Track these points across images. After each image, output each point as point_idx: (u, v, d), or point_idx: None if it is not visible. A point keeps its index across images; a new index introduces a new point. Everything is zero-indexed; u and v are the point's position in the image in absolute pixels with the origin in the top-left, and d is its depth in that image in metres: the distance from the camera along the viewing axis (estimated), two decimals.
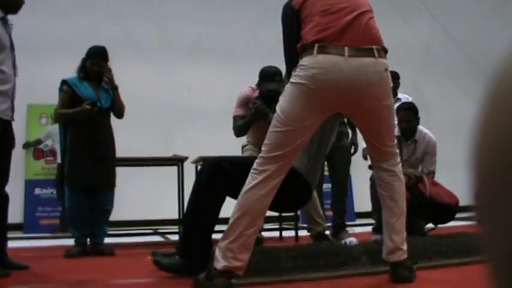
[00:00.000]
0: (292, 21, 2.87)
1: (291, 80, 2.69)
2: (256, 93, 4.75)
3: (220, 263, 2.62)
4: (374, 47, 2.68)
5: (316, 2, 2.78)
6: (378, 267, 3.05)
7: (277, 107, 2.71)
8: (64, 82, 4.89)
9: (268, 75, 4.66)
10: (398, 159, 2.95)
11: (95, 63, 4.87)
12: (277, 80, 4.47)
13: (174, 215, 6.29)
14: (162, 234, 7.17)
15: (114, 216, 5.05)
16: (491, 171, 0.43)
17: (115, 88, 4.94)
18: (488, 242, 0.45)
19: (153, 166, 6.82)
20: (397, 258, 2.82)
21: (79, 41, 5.39)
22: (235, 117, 4.84)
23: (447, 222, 4.93)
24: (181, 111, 9.08)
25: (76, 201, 4.71)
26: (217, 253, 2.65)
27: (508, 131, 0.41)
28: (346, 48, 2.62)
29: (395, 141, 2.97)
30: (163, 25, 9.39)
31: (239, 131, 4.78)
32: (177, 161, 6.09)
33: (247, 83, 9.18)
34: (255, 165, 2.69)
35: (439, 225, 4.94)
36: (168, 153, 6.52)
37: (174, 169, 6.11)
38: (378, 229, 4.72)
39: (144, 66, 9.11)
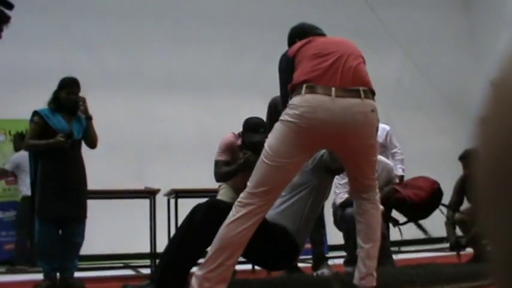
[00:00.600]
0: (288, 69, 2.96)
1: (281, 118, 2.77)
2: (239, 141, 4.77)
3: None
4: (361, 88, 2.77)
5: (309, 48, 2.91)
6: None
7: (266, 144, 2.78)
8: (36, 113, 4.85)
9: (253, 127, 4.68)
10: (378, 190, 3.02)
11: (72, 92, 4.84)
12: (261, 131, 4.48)
13: (145, 248, 6.23)
14: (134, 267, 7.08)
15: (84, 250, 4.98)
16: (494, 173, 0.44)
17: (90, 118, 4.92)
18: (491, 245, 0.45)
19: (124, 199, 6.77)
20: (369, 284, 2.85)
21: (50, 72, 5.37)
22: (217, 162, 4.85)
23: (438, 207, 4.97)
24: (153, 143, 9.05)
25: (46, 233, 4.65)
26: (194, 282, 2.65)
27: (509, 132, 0.42)
28: (333, 88, 2.71)
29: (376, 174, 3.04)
30: (136, 57, 9.40)
31: (222, 178, 4.79)
32: (149, 194, 6.07)
33: (220, 115, 9.26)
34: (239, 199, 2.74)
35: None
36: (140, 186, 6.50)
37: (146, 202, 6.08)
38: (349, 262, 4.74)
39: (116, 97, 9.09)
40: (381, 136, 6.30)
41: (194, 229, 2.96)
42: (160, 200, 6.38)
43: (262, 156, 2.76)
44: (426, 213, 4.90)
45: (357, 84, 2.78)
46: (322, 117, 2.67)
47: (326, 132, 2.71)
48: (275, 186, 2.73)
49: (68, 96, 4.84)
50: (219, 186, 5.08)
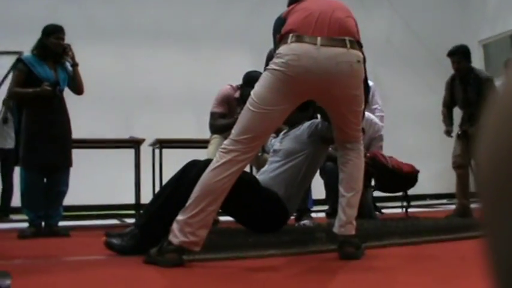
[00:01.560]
0: (280, 31, 2.93)
1: (267, 67, 2.81)
2: (237, 94, 4.74)
3: (177, 238, 2.66)
4: (347, 38, 2.79)
5: (299, 6, 2.94)
6: (328, 246, 3.11)
7: (252, 92, 2.82)
8: (20, 60, 4.78)
9: (252, 81, 4.64)
10: (362, 143, 3.05)
11: (60, 38, 4.75)
12: None
13: (130, 198, 6.26)
14: (118, 217, 7.13)
15: (68, 200, 4.99)
16: (496, 174, 0.44)
17: (76, 65, 4.86)
18: (492, 244, 0.45)
19: (109, 148, 6.76)
20: (348, 232, 2.89)
21: (37, 22, 5.28)
22: (213, 114, 4.85)
23: (410, 188, 5.22)
24: (140, 94, 9.02)
25: (31, 182, 4.64)
26: (175, 227, 2.68)
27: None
28: (319, 38, 2.73)
29: (362, 126, 3.06)
30: (124, 7, 9.29)
31: (217, 130, 4.78)
32: (134, 144, 6.06)
33: (207, 67, 9.22)
34: (223, 145, 2.77)
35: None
36: (126, 136, 6.49)
37: (131, 152, 6.09)
38: (331, 214, 4.83)
39: (104, 48, 9.01)
40: None
41: (186, 185, 2.95)
42: (146, 150, 6.38)
43: (248, 104, 2.79)
44: (395, 186, 5.06)
45: (343, 35, 2.79)
46: (307, 65, 2.69)
47: (311, 81, 2.72)
48: (259, 134, 2.75)
49: (57, 42, 4.75)
50: (211, 136, 5.08)
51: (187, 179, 3.05)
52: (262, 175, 3.64)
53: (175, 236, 2.67)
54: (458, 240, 3.59)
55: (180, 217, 2.69)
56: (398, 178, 5.01)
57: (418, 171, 5.17)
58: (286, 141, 3.72)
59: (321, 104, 3.07)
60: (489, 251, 0.45)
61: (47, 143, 4.64)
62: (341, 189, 3.00)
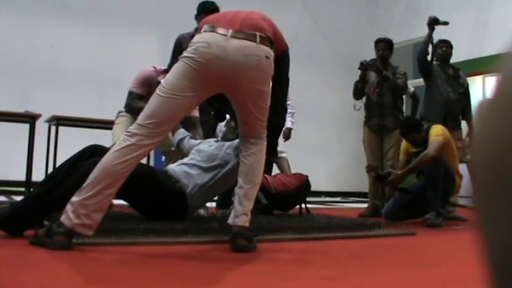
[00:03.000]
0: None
1: (179, 57, 2.85)
2: (160, 78, 4.60)
3: (70, 220, 2.56)
4: (258, 33, 2.84)
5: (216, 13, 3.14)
6: (221, 236, 3.10)
7: (162, 80, 2.85)
8: None
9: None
10: (265, 138, 3.07)
11: None
12: None
13: (21, 175, 6.01)
14: (7, 193, 6.82)
15: None
16: (492, 171, 0.44)
17: None
18: (487, 240, 0.45)
19: (1, 122, 6.44)
20: (241, 223, 2.90)
21: None
22: (131, 93, 4.72)
23: (305, 197, 4.99)
24: (40, 68, 8.67)
25: None
26: (69, 209, 2.58)
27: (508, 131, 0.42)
28: (230, 30, 2.80)
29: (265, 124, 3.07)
30: None
31: (133, 111, 4.60)
32: (29, 118, 5.82)
33: (113, 47, 8.98)
34: (128, 129, 2.75)
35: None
36: (22, 110, 6.22)
37: (25, 127, 5.84)
38: (220, 205, 4.85)
39: (7, 17, 8.58)
40: None
41: (81, 170, 2.85)
42: (41, 126, 6.14)
43: (157, 90, 2.80)
44: (292, 203, 4.96)
45: (255, 30, 2.85)
46: (216, 52, 2.74)
47: (219, 68, 2.75)
48: (165, 120, 2.75)
49: None
50: (117, 115, 4.95)
51: (84, 164, 2.94)
52: (179, 166, 3.63)
53: (68, 218, 2.57)
54: (351, 238, 3.70)
55: (75, 198, 2.60)
56: (287, 198, 4.82)
57: (306, 178, 4.96)
58: (214, 146, 3.69)
59: (228, 96, 3.07)
60: (485, 245, 0.46)
61: None
62: (240, 181, 3.01)
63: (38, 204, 2.92)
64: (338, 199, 9.86)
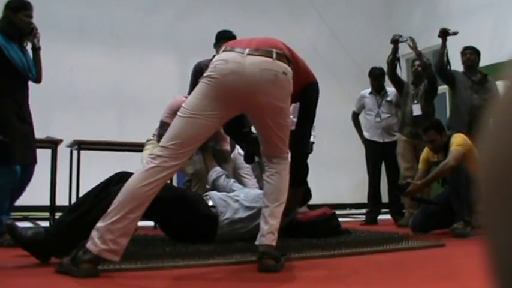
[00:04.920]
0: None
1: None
2: None
3: (96, 246, 2.54)
4: (274, 50, 2.89)
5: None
6: (248, 257, 3.06)
7: (183, 103, 2.88)
8: None
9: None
10: (288, 159, 3.08)
11: (29, 15, 4.18)
12: None
13: (45, 200, 6.03)
14: (32, 220, 6.83)
15: None
16: (499, 176, 0.44)
17: (39, 48, 4.39)
18: (493, 246, 0.47)
19: None
20: (268, 242, 2.87)
21: None
22: (163, 123, 4.74)
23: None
24: (60, 92, 8.72)
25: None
26: (95, 235, 2.56)
27: None
28: (247, 49, 2.86)
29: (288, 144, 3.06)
30: (47, 3, 8.98)
31: None
32: (51, 144, 5.84)
33: (132, 69, 9.03)
34: (153, 151, 2.78)
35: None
36: (43, 136, 6.23)
37: (47, 152, 5.86)
38: None
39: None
40: None
41: (110, 197, 2.80)
42: (63, 151, 6.16)
43: (178, 113, 2.83)
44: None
45: (271, 47, 2.90)
46: (233, 68, 2.79)
47: (236, 84, 2.78)
48: (187, 140, 2.75)
49: (27, 21, 4.19)
50: (147, 140, 4.99)
51: (114, 190, 2.90)
52: (221, 194, 3.69)
53: (95, 244, 2.55)
54: (379, 252, 3.64)
55: (100, 224, 2.58)
56: (307, 224, 4.24)
57: (332, 211, 4.39)
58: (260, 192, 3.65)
59: (248, 114, 3.06)
60: (491, 253, 0.47)
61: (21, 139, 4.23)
62: (265, 201, 2.99)
63: (70, 231, 2.92)
64: (363, 211, 9.76)
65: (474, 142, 5.29)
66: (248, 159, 3.62)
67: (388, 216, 6.93)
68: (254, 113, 2.98)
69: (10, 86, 4.16)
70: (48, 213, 6.06)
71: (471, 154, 4.99)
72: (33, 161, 4.49)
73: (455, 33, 5.95)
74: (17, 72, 4.18)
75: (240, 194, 3.71)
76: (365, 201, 9.75)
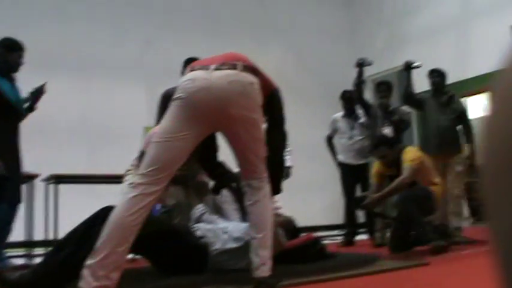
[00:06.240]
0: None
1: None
2: None
3: (89, 284, 2.51)
4: (238, 63, 2.92)
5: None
6: (244, 286, 3.06)
7: (157, 129, 2.95)
8: None
9: None
10: (267, 180, 3.04)
11: (23, 56, 4.37)
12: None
13: (20, 236, 5.92)
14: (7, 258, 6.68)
15: None
16: (500, 169, 0.45)
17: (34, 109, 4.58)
18: (497, 236, 0.46)
19: None
20: (263, 274, 2.87)
21: None
22: (143, 153, 4.66)
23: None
24: (28, 125, 8.59)
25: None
26: (86, 273, 2.53)
27: None
28: (212, 65, 2.90)
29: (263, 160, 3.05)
30: (13, 31, 8.87)
31: None
32: (27, 179, 5.75)
33: (100, 100, 8.96)
34: (131, 181, 2.81)
35: None
36: None
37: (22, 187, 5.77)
38: None
39: None
40: None
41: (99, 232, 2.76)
42: (38, 186, 6.08)
43: (153, 139, 2.87)
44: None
45: (235, 61, 2.95)
46: (201, 85, 2.83)
47: (206, 101, 2.82)
48: (165, 164, 2.76)
49: (20, 62, 4.38)
50: (127, 170, 4.93)
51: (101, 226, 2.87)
52: (210, 225, 3.69)
53: (88, 282, 2.52)
54: (363, 275, 3.66)
55: (91, 261, 2.55)
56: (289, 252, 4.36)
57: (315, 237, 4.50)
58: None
59: (222, 132, 3.06)
60: (494, 241, 0.47)
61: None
62: (251, 232, 2.99)
63: (60, 270, 2.88)
64: (336, 232, 9.81)
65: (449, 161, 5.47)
66: (215, 191, 3.64)
67: (364, 237, 7.00)
68: (227, 128, 2.98)
69: (4, 121, 4.25)
70: (23, 250, 5.94)
71: (423, 167, 5.10)
72: (21, 199, 4.45)
73: (418, 66, 6.14)
74: (10, 108, 4.22)
75: (228, 226, 3.71)
76: (338, 222, 9.83)
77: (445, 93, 6.19)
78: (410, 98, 6.23)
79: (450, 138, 6.00)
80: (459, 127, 6.06)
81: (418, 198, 4.86)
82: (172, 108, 2.85)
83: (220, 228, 3.64)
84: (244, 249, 3.31)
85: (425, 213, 4.92)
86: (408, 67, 6.19)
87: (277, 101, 3.25)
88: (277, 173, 3.32)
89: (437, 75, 6.20)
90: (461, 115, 6.11)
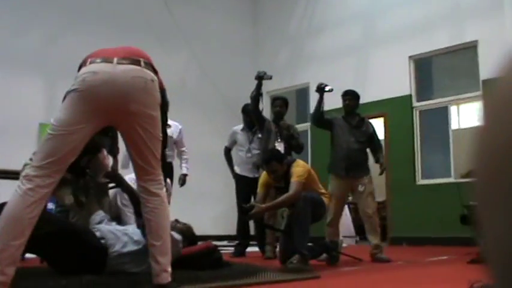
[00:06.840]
0: None
1: (65, 94, 2.83)
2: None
3: None
4: (141, 59, 2.93)
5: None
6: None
7: (52, 120, 2.80)
8: None
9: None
10: (163, 183, 3.04)
11: None
12: (110, 135, 4.11)
13: None
14: None
15: None
16: (492, 175, 0.47)
17: None
18: (488, 242, 0.48)
19: None
20: (164, 281, 2.86)
21: None
22: None
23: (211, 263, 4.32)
24: None
25: None
26: None
27: (508, 137, 0.45)
28: (115, 58, 2.86)
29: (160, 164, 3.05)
30: None
31: None
32: None
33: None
34: (25, 173, 2.67)
35: None
36: None
37: None
38: None
39: None
40: (174, 132, 6.48)
41: None
42: None
43: (48, 130, 2.79)
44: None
45: (138, 57, 2.94)
46: (104, 78, 2.79)
47: (108, 94, 2.79)
48: (60, 157, 2.72)
49: None
50: (25, 164, 4.68)
51: None
52: (110, 227, 3.65)
53: None
54: (258, 284, 3.71)
55: None
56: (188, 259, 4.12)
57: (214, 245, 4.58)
58: None
59: (118, 127, 3.04)
60: (486, 246, 0.48)
61: None
62: (149, 239, 2.97)
63: None
64: (225, 243, 9.87)
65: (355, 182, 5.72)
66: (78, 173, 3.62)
67: (255, 249, 7.08)
68: (124, 123, 2.96)
69: None
70: None
71: (311, 177, 5.25)
72: None
73: (330, 91, 6.15)
74: None
75: (128, 228, 3.66)
76: (228, 233, 9.89)
77: (357, 116, 6.36)
78: (319, 120, 6.32)
79: (358, 160, 6.14)
80: (368, 149, 6.27)
81: (314, 201, 4.97)
82: (69, 100, 2.78)
83: (120, 230, 3.59)
84: (144, 252, 3.28)
85: (316, 218, 5.06)
86: (321, 89, 6.20)
87: (165, 104, 3.25)
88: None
89: (350, 98, 6.33)
90: (370, 137, 6.29)
